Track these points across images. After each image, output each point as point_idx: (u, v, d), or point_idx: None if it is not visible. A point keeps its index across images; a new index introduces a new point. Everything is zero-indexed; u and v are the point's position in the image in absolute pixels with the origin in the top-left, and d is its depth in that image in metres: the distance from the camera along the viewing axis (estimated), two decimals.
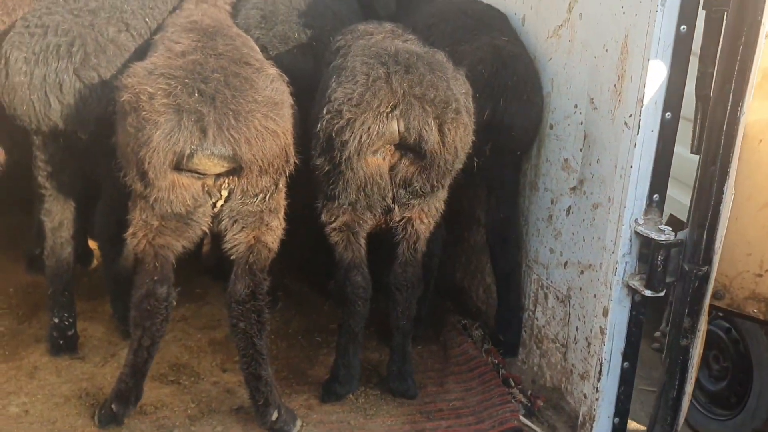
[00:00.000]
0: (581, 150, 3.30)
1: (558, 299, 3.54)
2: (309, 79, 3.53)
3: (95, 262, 4.71)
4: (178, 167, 2.77)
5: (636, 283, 2.99)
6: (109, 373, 3.60)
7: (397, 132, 2.93)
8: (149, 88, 2.67)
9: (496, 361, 3.76)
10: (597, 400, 3.16)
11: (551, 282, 3.59)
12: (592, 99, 3.19)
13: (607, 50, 3.07)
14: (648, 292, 2.92)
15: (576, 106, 3.31)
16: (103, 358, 3.74)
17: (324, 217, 3.27)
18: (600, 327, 3.14)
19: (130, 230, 3.06)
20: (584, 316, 3.32)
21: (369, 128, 2.88)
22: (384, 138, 2.93)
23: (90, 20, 3.29)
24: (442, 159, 2.98)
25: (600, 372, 3.16)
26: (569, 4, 3.32)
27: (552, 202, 3.54)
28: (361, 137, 2.89)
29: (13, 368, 3.61)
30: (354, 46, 3.18)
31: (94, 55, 3.21)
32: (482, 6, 3.90)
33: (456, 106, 2.92)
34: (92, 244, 4.62)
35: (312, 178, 3.23)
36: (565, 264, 3.47)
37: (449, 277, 4.51)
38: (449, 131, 2.93)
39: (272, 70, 2.93)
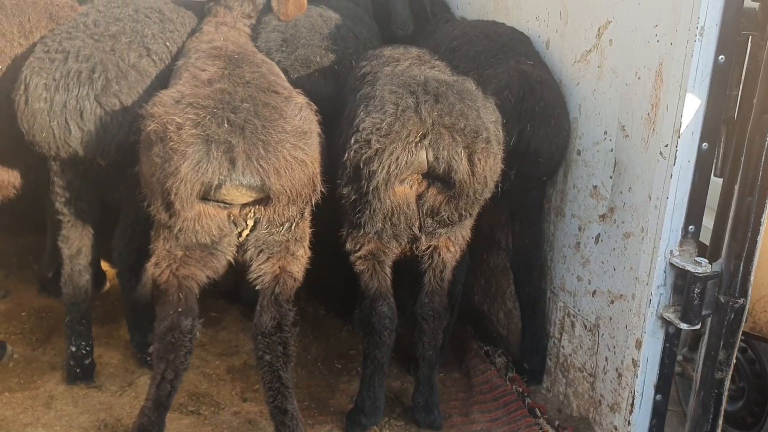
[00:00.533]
0: (611, 177, 3.24)
1: (586, 328, 3.47)
2: (331, 103, 3.48)
3: (107, 286, 4.64)
4: (205, 197, 2.71)
5: (671, 316, 2.93)
6: (127, 403, 3.54)
7: (426, 162, 2.87)
8: (177, 118, 2.61)
9: (521, 390, 3.69)
10: None
11: (578, 310, 3.52)
12: (624, 126, 3.13)
13: (639, 78, 3.01)
14: (684, 325, 2.88)
15: (606, 133, 3.25)
16: (120, 387, 3.67)
17: (349, 245, 3.21)
18: (632, 359, 3.09)
19: (153, 260, 2.99)
20: (614, 347, 3.25)
21: (397, 158, 2.82)
22: (412, 168, 2.87)
23: (111, 45, 3.23)
24: (472, 189, 2.91)
25: (632, 404, 3.11)
26: (598, 30, 3.26)
27: (580, 229, 3.47)
28: (389, 167, 2.82)
29: (29, 397, 3.54)
30: (381, 73, 3.13)
31: (116, 81, 3.15)
32: (505, 29, 3.84)
33: (486, 135, 2.86)
34: (104, 266, 4.56)
35: (336, 206, 3.17)
36: (594, 292, 3.40)
37: (468, 301, 4.45)
38: (479, 161, 2.86)
39: (300, 99, 2.87)
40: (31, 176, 3.85)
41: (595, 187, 3.35)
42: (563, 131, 3.46)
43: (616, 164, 3.21)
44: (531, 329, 3.76)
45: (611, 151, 3.23)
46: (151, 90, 3.23)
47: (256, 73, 2.95)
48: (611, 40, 3.19)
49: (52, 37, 3.29)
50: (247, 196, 2.75)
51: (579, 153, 3.46)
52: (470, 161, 2.86)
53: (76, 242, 3.53)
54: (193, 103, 2.67)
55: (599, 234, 3.34)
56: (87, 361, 3.63)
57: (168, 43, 3.45)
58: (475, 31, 3.84)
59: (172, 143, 2.60)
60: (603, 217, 3.31)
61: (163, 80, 3.30)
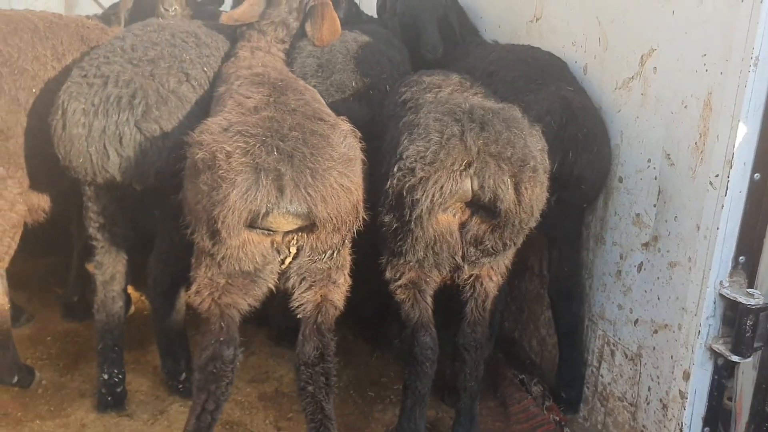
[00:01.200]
0: (655, 205, 3.20)
1: (627, 357, 3.42)
2: (365, 128, 3.44)
3: (132, 310, 4.59)
4: (251, 225, 2.67)
5: (720, 347, 2.88)
6: None
7: (471, 190, 2.82)
8: (227, 146, 2.57)
9: (558, 419, 3.62)
10: None
11: (619, 339, 3.47)
12: (669, 155, 3.09)
13: (686, 106, 2.98)
14: (735, 358, 2.82)
15: (649, 161, 3.22)
16: (152, 415, 3.62)
17: (389, 274, 3.16)
18: (680, 390, 3.03)
19: (194, 288, 2.94)
20: (658, 377, 3.19)
21: (441, 186, 2.78)
22: (456, 196, 2.83)
23: (150, 70, 3.21)
24: (518, 218, 2.87)
25: None
26: (641, 57, 3.23)
27: (621, 257, 3.43)
28: (433, 196, 2.78)
29: (60, 426, 3.51)
30: (422, 100, 3.10)
31: (156, 107, 3.12)
32: (543, 54, 3.81)
33: (533, 164, 2.82)
34: (129, 289, 4.51)
35: (372, 233, 3.12)
36: (636, 321, 3.35)
37: (500, 328, 4.38)
38: (526, 190, 2.82)
39: (345, 126, 2.84)
40: (61, 201, 3.83)
41: (638, 215, 3.31)
42: (605, 158, 3.43)
43: (660, 192, 3.17)
44: (569, 357, 3.70)
45: (655, 179, 3.19)
46: (191, 116, 3.21)
47: (300, 100, 2.92)
48: (655, 67, 3.16)
49: (90, 61, 3.27)
50: (293, 224, 2.71)
51: (621, 180, 3.42)
52: (517, 190, 2.81)
53: (109, 268, 3.49)
54: (242, 131, 2.63)
55: (642, 262, 3.30)
56: (119, 389, 3.58)
57: (205, 68, 3.43)
58: (512, 56, 3.81)
59: (221, 171, 2.57)
60: (646, 245, 3.26)
61: (202, 106, 3.27)
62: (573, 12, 3.80)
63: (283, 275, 2.94)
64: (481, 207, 2.90)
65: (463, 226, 2.96)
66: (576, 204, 3.52)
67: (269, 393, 3.86)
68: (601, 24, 3.55)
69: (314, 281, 2.96)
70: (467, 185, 2.81)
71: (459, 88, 3.20)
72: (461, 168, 2.78)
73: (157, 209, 3.39)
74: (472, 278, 3.18)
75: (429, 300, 3.17)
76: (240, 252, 2.75)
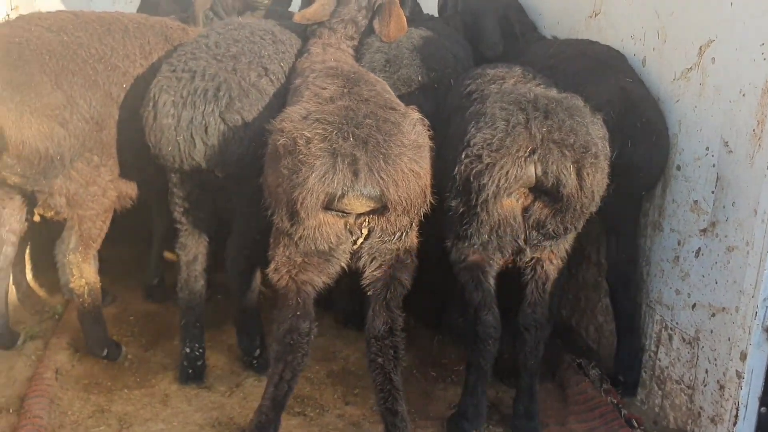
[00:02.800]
0: (713, 192, 3.30)
1: (684, 341, 3.52)
2: (430, 120, 3.62)
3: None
4: (327, 207, 2.88)
5: None
6: (236, 403, 3.73)
7: (534, 176, 2.99)
8: (306, 132, 2.79)
9: (616, 401, 3.74)
10: None
11: (677, 323, 3.57)
12: (727, 142, 3.19)
13: (744, 95, 3.08)
14: None
15: (707, 149, 3.32)
16: (228, 387, 3.86)
17: (453, 256, 3.34)
18: (736, 371, 3.13)
19: (272, 266, 3.17)
20: (716, 359, 3.29)
21: (507, 172, 2.95)
22: (521, 181, 3.00)
23: (233, 65, 3.46)
24: (579, 202, 3.02)
25: (736, 416, 3.14)
26: (700, 48, 3.34)
27: (679, 243, 3.53)
28: (499, 181, 2.95)
29: (146, 395, 3.77)
30: (487, 90, 3.27)
31: (238, 99, 3.37)
32: (602, 47, 3.94)
33: (595, 150, 2.97)
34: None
35: (441, 218, 3.30)
36: (694, 306, 3.45)
37: (557, 315, 4.51)
38: (588, 175, 2.97)
39: (415, 115, 3.03)
40: (145, 189, 4.12)
41: (695, 201, 3.41)
42: (663, 147, 3.54)
43: (718, 179, 3.27)
44: (627, 343, 3.81)
45: (713, 166, 3.30)
46: (269, 107, 3.45)
47: (372, 91, 3.13)
48: (713, 58, 3.27)
49: (178, 57, 3.54)
50: (366, 206, 2.91)
51: (679, 168, 3.52)
52: (579, 176, 2.97)
53: (192, 249, 3.76)
54: (320, 119, 2.85)
55: (700, 248, 3.40)
56: (199, 363, 3.85)
57: (282, 64, 3.67)
58: (571, 50, 3.95)
59: (301, 156, 2.79)
60: (704, 231, 3.36)
61: (279, 98, 3.51)
62: (632, 7, 3.92)
63: (355, 255, 3.15)
64: (544, 192, 3.06)
65: (525, 210, 3.12)
66: (634, 192, 3.64)
67: (336, 371, 4.08)
68: (660, 17, 3.66)
69: (384, 261, 3.16)
70: (531, 171, 2.97)
71: (522, 80, 3.37)
72: (526, 154, 2.95)
73: (236, 194, 3.64)
74: (534, 261, 3.34)
75: (492, 282, 3.34)
76: (316, 232, 2.96)
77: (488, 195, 2.98)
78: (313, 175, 2.78)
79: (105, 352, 3.96)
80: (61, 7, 5.16)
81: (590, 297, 4.38)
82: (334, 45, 3.97)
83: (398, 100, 3.21)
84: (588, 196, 3.02)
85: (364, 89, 3.13)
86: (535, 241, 3.20)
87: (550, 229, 3.14)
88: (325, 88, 3.15)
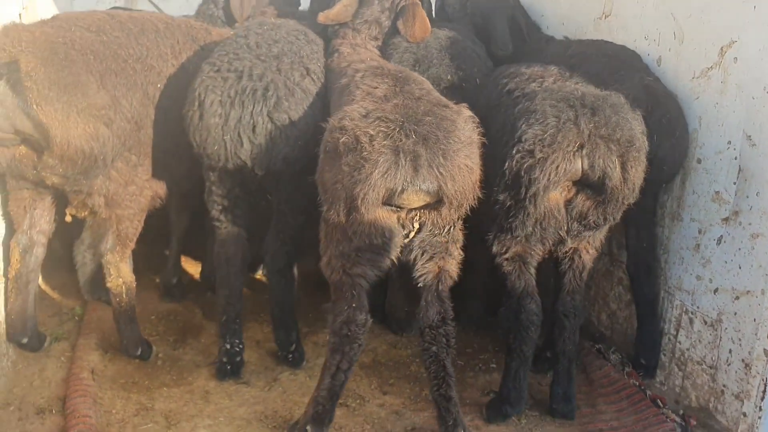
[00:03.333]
0: (735, 183, 3.53)
1: (706, 323, 3.74)
2: None
3: None
4: (386, 202, 2.99)
5: None
6: (277, 397, 3.80)
7: (581, 170, 3.16)
8: (370, 130, 2.89)
9: (638, 383, 3.94)
10: (760, 418, 3.36)
11: (697, 307, 3.79)
12: (750, 136, 3.42)
13: (767, 91, 3.31)
14: None
15: (729, 143, 3.54)
16: (266, 382, 3.92)
17: (496, 248, 3.49)
18: (764, 349, 3.35)
19: (325, 260, 3.25)
20: (740, 340, 3.52)
21: (557, 167, 3.11)
22: (569, 175, 3.16)
23: (276, 65, 3.52)
24: (622, 194, 3.20)
25: (764, 392, 3.36)
26: (721, 49, 3.56)
27: (700, 232, 3.75)
28: (549, 175, 3.11)
29: (186, 392, 3.79)
30: (529, 89, 3.42)
31: (285, 98, 3.44)
32: (620, 47, 4.15)
33: (638, 145, 3.16)
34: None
35: (483, 212, 3.44)
36: (716, 290, 3.67)
37: None
38: (631, 168, 3.15)
39: (467, 112, 3.16)
40: (174, 189, 4.14)
41: (717, 192, 3.63)
42: (684, 141, 3.76)
43: (740, 171, 3.50)
44: (648, 327, 4.02)
45: (735, 159, 3.52)
46: (313, 106, 3.54)
47: (423, 90, 3.25)
48: (736, 58, 3.49)
49: (219, 57, 3.58)
50: (423, 200, 3.03)
51: (699, 161, 3.75)
52: (623, 169, 3.15)
53: (231, 247, 3.80)
54: (382, 117, 2.95)
55: (722, 236, 3.62)
56: (238, 359, 3.89)
57: (319, 63, 3.76)
58: (591, 50, 4.15)
59: (365, 153, 2.88)
60: (726, 220, 3.59)
61: (321, 97, 3.60)
62: (645, 9, 4.14)
63: (406, 248, 3.26)
64: (587, 185, 3.23)
65: (569, 202, 3.29)
66: (655, 183, 3.83)
67: (368, 363, 4.17)
68: (676, 19, 3.88)
69: (434, 254, 3.28)
70: (579, 165, 3.14)
71: (560, 78, 3.53)
72: (574, 149, 3.11)
73: (277, 192, 3.70)
74: (571, 251, 3.52)
75: (533, 271, 3.50)
76: (371, 227, 3.06)
77: (539, 188, 3.13)
78: (377, 171, 2.88)
79: (138, 352, 3.97)
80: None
81: (602, 286, 4.59)
82: (360, 45, 4.06)
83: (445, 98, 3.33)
84: (630, 188, 3.21)
85: (414, 88, 3.24)
86: (576, 232, 3.37)
87: (591, 221, 3.31)
88: (376, 87, 3.24)
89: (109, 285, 3.83)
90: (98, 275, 4.30)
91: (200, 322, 4.59)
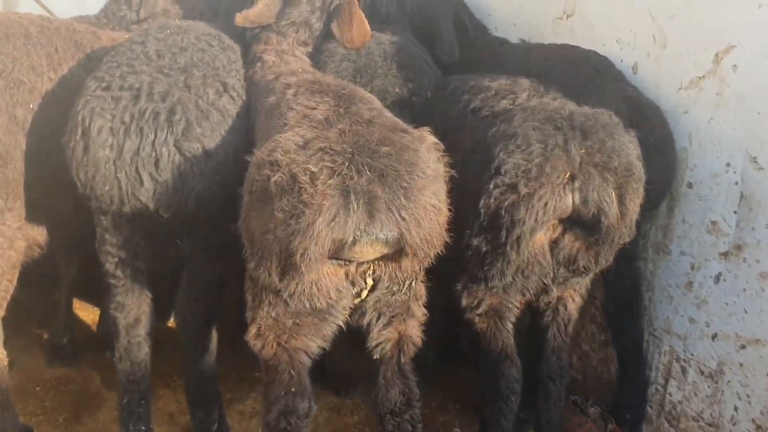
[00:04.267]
0: (735, 212, 3.02)
1: (703, 374, 3.23)
2: None
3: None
4: (333, 256, 2.30)
5: None
6: None
7: (571, 206, 2.55)
8: (311, 166, 2.20)
9: None
10: None
11: (691, 355, 3.28)
12: (755, 158, 2.92)
13: None
14: None
15: (728, 165, 3.03)
16: None
17: (465, 302, 2.86)
18: None
19: (253, 330, 2.54)
20: (748, 395, 3.02)
21: (546, 204, 2.49)
22: (557, 213, 2.55)
23: (184, 80, 2.77)
24: (618, 233, 2.61)
25: None
26: (716, 55, 3.04)
27: (692, 268, 3.23)
28: (537, 214, 2.49)
29: None
30: (500, 107, 2.81)
31: (197, 123, 2.69)
32: (588, 52, 3.57)
33: (637, 174, 2.58)
34: None
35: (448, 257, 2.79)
36: (714, 336, 3.16)
37: None
38: (630, 202, 2.58)
39: (431, 138, 2.49)
40: (59, 233, 3.33)
41: (713, 222, 3.12)
42: (672, 162, 3.23)
43: (743, 197, 2.99)
44: (633, 376, 3.47)
45: (736, 183, 3.01)
46: (233, 132, 2.80)
47: (373, 110, 2.56)
48: (735, 65, 2.98)
49: (109, 70, 2.80)
50: (379, 252, 2.35)
51: (690, 186, 3.22)
52: (621, 203, 2.57)
53: (133, 310, 3.03)
54: (325, 148, 2.26)
55: (720, 273, 3.11)
56: None
57: (238, 76, 3.02)
58: (556, 56, 3.56)
59: (304, 196, 2.19)
60: (725, 254, 3.08)
61: (243, 120, 2.87)
62: (615, 8, 3.59)
63: (358, 311, 2.59)
64: (577, 223, 2.63)
65: (555, 244, 2.68)
66: (642, 210, 3.30)
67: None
68: (656, 20, 3.35)
69: (393, 316, 2.63)
70: (569, 200, 2.53)
71: (535, 93, 2.92)
72: (564, 182, 2.50)
73: (189, 239, 2.95)
74: (555, 301, 2.92)
75: (511, 327, 2.88)
76: (313, 287, 2.36)
77: (523, 231, 2.51)
78: (321, 218, 2.18)
79: None
80: None
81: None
82: (288, 52, 3.34)
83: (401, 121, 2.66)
84: (628, 226, 2.63)
85: (362, 108, 2.55)
86: (562, 279, 2.78)
87: (581, 265, 2.71)
88: (314, 108, 2.54)
89: None
90: None
91: (98, 391, 3.77)
